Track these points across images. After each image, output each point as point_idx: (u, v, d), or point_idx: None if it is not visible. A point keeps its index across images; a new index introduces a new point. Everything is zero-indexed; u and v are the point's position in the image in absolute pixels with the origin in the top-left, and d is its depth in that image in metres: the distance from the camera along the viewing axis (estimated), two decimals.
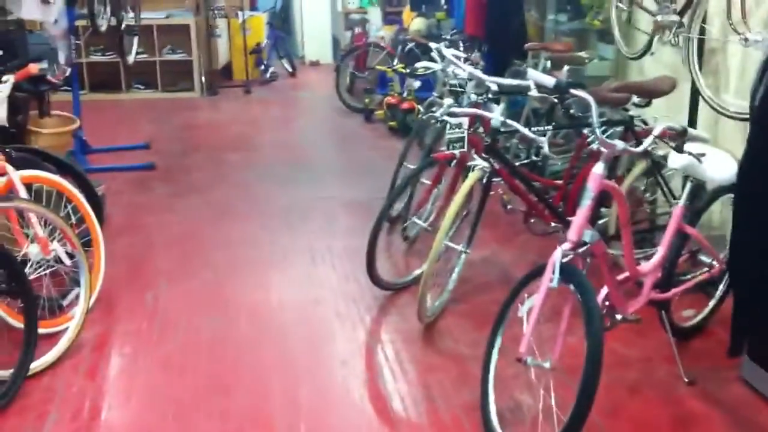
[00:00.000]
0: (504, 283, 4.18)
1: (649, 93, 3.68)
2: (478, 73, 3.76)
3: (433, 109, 4.77)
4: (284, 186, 5.96)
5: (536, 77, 2.62)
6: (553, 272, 2.64)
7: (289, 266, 4.47)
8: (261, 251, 4.68)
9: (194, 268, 4.42)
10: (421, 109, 4.79)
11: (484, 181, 3.60)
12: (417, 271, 4.16)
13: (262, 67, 10.51)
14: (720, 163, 3.07)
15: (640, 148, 2.71)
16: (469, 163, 3.63)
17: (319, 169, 6.49)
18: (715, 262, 3.40)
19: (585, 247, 2.72)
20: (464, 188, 3.51)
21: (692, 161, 2.96)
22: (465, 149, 3.59)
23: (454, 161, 3.78)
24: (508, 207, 4.10)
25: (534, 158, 4.72)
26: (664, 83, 3.67)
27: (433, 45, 4.62)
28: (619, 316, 3.02)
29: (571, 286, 2.66)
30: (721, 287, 3.61)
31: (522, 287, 2.89)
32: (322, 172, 6.38)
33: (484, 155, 3.61)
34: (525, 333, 2.68)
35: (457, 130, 3.57)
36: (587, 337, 2.52)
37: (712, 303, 3.63)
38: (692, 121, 4.35)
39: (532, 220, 4.20)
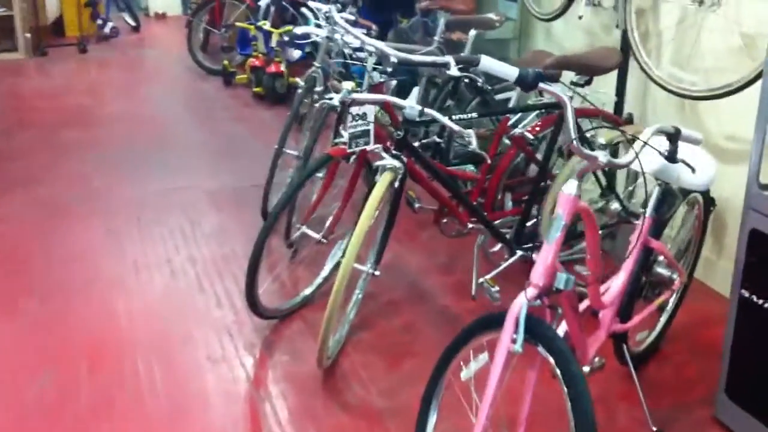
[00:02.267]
0: (414, 299, 3.46)
1: (592, 69, 3.00)
2: (381, 45, 2.93)
3: (316, 86, 3.92)
4: (133, 174, 4.93)
5: (492, 66, 1.85)
6: (517, 331, 1.93)
7: (143, 287, 3.54)
8: (105, 267, 3.71)
9: (15, 297, 3.41)
10: (300, 81, 3.92)
11: (396, 184, 2.83)
12: (307, 291, 3.36)
13: (100, 21, 9.14)
14: (698, 163, 2.42)
15: (625, 160, 2.00)
16: (377, 163, 2.83)
17: (174, 149, 5.46)
18: (675, 275, 2.80)
19: (556, 295, 2.02)
20: (375, 197, 2.73)
21: (665, 165, 2.31)
22: (371, 145, 2.79)
23: (354, 157, 2.99)
24: (416, 206, 3.34)
25: (437, 140, 3.97)
26: (609, 57, 3.00)
27: (312, 4, 3.75)
28: (586, 369, 2.36)
29: (540, 348, 1.96)
30: (671, 300, 3.04)
31: (465, 341, 2.17)
32: (178, 153, 5.36)
33: (395, 152, 2.83)
34: (478, 416, 1.97)
35: (360, 121, 2.76)
36: (576, 422, 1.83)
37: (663, 318, 3.06)
38: (620, 96, 3.75)
39: (444, 220, 3.46)
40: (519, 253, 3.13)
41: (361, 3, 6.01)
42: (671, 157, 2.07)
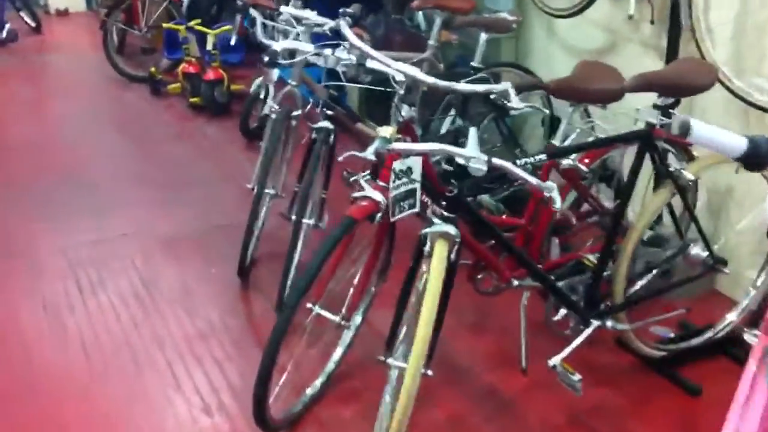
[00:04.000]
0: (449, 377, 2.79)
1: (682, 89, 2.37)
2: (413, 69, 2.21)
3: (294, 110, 3.17)
4: (60, 218, 4.04)
5: (710, 137, 1.19)
6: None
7: (100, 384, 2.73)
8: (45, 355, 2.88)
9: None
10: (270, 104, 3.14)
11: (453, 256, 2.14)
12: (317, 382, 2.64)
13: None
14: None
15: None
16: (425, 230, 2.13)
17: (107, 180, 4.56)
18: None
19: None
20: (436, 277, 2.03)
21: None
22: (418, 209, 2.09)
23: (379, 216, 2.28)
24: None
25: (445, 167, 3.27)
26: (701, 72, 2.36)
27: (289, 10, 3.00)
28: None
29: None
30: None
31: None
32: (113, 187, 4.46)
33: (447, 214, 2.13)
34: None
35: (404, 179, 2.05)
36: None
37: None
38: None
39: (479, 276, 2.79)
40: (594, 323, 2.49)
41: None
42: None
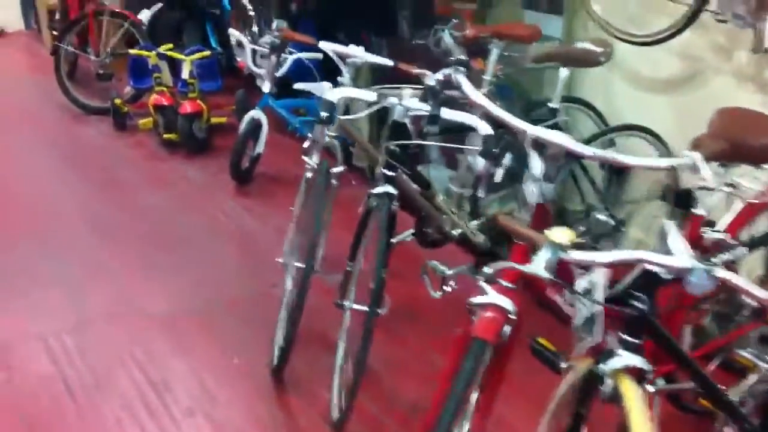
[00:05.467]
0: None
1: None
2: (564, 138, 1.64)
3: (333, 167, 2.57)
4: (22, 294, 3.32)
5: None
6: None
7: None
8: None
9: None
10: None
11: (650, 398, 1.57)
12: None
13: None
14: None
15: None
16: (603, 366, 1.55)
17: (72, 242, 3.79)
18: None
19: None
20: (642, 428, 1.45)
21: None
22: (600, 338, 1.52)
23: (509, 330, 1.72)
24: (563, 365, 2.09)
25: None
26: None
27: (332, 47, 2.40)
28: None
29: None
30: None
31: None
32: (81, 250, 3.70)
33: (631, 339, 1.56)
34: None
35: (587, 303, 1.48)
36: None
37: None
38: None
39: None
40: None
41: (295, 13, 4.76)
42: None
